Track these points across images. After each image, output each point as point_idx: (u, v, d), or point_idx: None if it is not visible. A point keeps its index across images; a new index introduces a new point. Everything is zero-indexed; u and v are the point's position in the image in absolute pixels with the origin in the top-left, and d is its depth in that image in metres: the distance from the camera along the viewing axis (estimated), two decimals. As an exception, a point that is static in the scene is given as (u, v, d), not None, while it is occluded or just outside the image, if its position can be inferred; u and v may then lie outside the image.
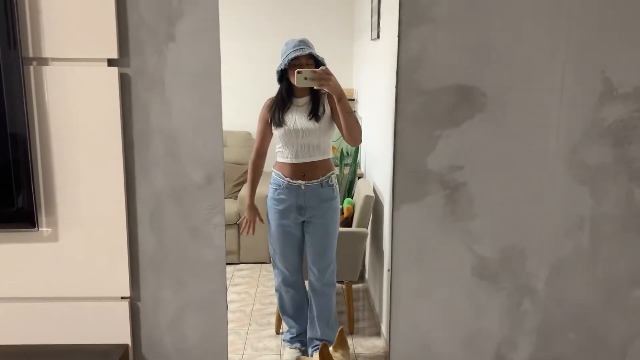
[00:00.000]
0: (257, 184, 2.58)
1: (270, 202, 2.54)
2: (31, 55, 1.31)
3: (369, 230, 2.93)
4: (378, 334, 2.81)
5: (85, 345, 1.44)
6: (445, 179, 1.41)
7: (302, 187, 2.44)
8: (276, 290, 2.70)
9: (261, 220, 2.59)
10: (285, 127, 2.41)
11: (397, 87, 1.37)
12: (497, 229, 1.45)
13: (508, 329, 1.50)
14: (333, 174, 2.51)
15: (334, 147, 3.31)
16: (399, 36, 1.35)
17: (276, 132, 2.46)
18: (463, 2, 1.33)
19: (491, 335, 1.51)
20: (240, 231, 2.61)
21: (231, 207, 3.51)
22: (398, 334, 1.50)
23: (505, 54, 1.36)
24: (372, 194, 2.89)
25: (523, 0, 1.34)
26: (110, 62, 1.33)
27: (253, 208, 2.58)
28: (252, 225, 2.58)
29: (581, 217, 1.44)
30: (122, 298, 1.44)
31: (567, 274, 1.47)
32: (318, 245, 2.53)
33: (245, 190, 2.49)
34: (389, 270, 1.46)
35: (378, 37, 2.98)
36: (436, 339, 1.51)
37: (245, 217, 2.60)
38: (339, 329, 1.67)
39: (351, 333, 2.83)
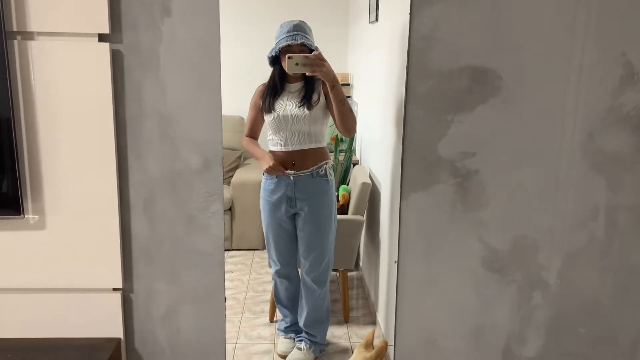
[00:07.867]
0: (259, 147, 2.44)
1: (262, 193, 2.46)
2: (15, 28, 1.21)
3: (364, 218, 2.87)
4: (373, 322, 2.76)
5: (75, 339, 1.37)
6: (457, 166, 1.35)
7: (292, 178, 2.35)
8: (272, 279, 2.64)
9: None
10: (274, 114, 2.32)
11: (407, 68, 1.30)
12: (509, 219, 1.39)
13: (517, 323, 1.45)
14: (326, 163, 2.40)
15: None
16: (410, 14, 1.27)
17: (266, 119, 2.37)
18: (479, -21, 1.26)
19: (500, 330, 1.45)
20: (271, 173, 2.38)
21: (224, 193, 3.44)
22: (403, 327, 1.44)
23: (521, 34, 1.29)
24: (369, 181, 2.83)
25: (542, -23, 1.27)
26: (101, 38, 1.24)
27: (267, 155, 2.37)
28: (277, 166, 2.34)
29: (596, 207, 1.39)
30: (114, 290, 1.36)
31: (580, 266, 1.42)
32: (307, 240, 2.44)
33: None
34: (395, 261, 1.40)
35: (377, 19, 2.89)
36: (443, 333, 1.45)
37: (269, 164, 2.34)
38: (382, 341, 1.49)
39: (346, 322, 2.78)
